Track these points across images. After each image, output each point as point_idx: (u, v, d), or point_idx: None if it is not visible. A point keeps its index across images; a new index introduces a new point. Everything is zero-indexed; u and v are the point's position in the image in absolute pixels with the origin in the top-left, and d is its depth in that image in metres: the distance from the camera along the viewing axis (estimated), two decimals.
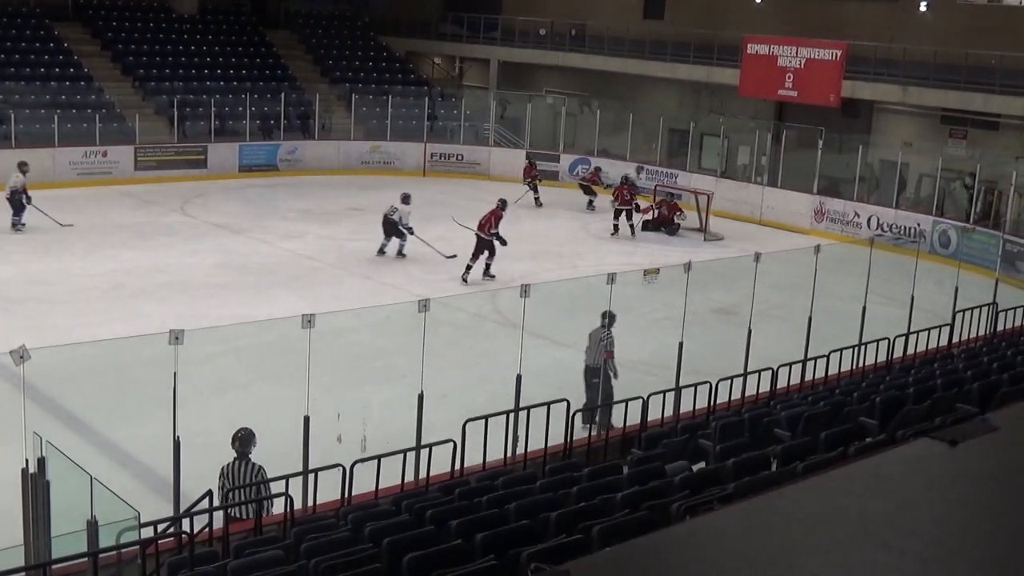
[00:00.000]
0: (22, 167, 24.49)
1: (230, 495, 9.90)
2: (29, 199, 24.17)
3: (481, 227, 22.10)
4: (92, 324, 17.46)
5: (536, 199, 31.14)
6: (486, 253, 22.04)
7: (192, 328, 10.22)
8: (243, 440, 10.27)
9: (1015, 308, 16.70)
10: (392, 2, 45.48)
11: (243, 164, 33.66)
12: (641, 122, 34.70)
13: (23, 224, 24.21)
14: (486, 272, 22.07)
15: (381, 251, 23.62)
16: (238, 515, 9.86)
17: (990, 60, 28.13)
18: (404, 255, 23.48)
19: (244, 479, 10.10)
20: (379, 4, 45.61)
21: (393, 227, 23.52)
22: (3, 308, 18.59)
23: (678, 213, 28.40)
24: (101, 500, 8.30)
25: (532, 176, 31.74)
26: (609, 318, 13.80)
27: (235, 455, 10.23)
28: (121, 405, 14.43)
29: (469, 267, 21.83)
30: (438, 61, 44.61)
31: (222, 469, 10.19)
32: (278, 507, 9.61)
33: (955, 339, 15.89)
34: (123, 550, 8.28)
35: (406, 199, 23.55)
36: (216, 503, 9.75)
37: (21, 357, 8.54)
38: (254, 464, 10.19)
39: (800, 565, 2.29)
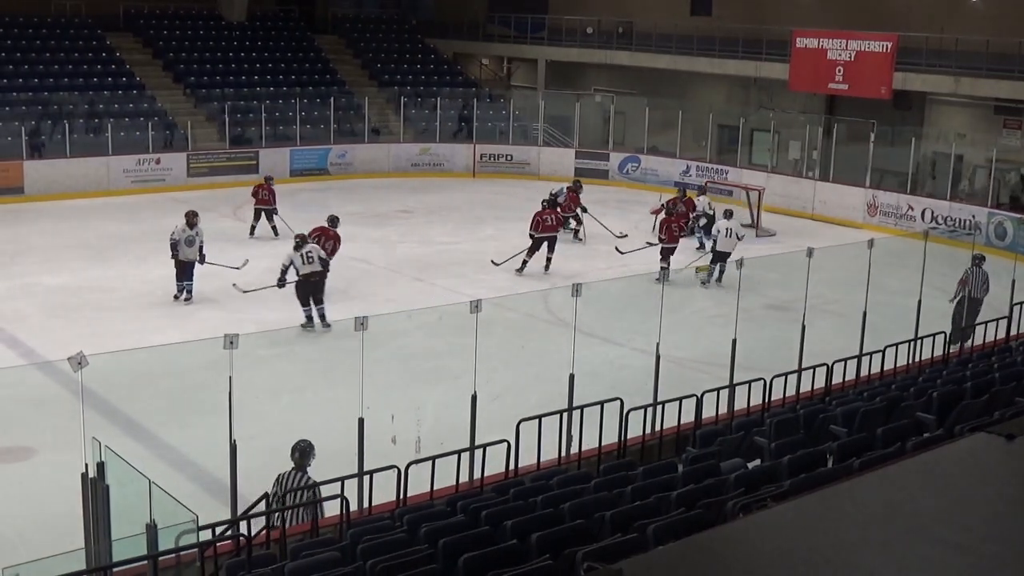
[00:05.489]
0: None
1: (285, 500, 9.93)
2: None
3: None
4: (148, 330, 17.65)
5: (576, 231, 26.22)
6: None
7: (246, 332, 10.30)
8: (303, 452, 10.22)
9: None
10: (439, 4, 45.63)
11: (294, 168, 33.91)
12: (690, 119, 34.56)
13: None
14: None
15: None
16: (295, 520, 9.90)
17: None
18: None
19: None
20: (426, 7, 45.76)
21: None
22: (60, 315, 18.86)
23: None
24: (159, 503, 8.39)
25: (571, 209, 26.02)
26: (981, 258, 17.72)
27: (292, 465, 10.22)
28: (178, 409, 14.58)
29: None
30: (486, 62, 44.68)
31: (278, 476, 10.20)
32: (334, 509, 9.65)
33: (1013, 332, 15.69)
34: (182, 553, 8.38)
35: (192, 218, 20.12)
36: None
37: (79, 363, 8.65)
38: (310, 478, 10.14)
39: (855, 562, 2.27)
